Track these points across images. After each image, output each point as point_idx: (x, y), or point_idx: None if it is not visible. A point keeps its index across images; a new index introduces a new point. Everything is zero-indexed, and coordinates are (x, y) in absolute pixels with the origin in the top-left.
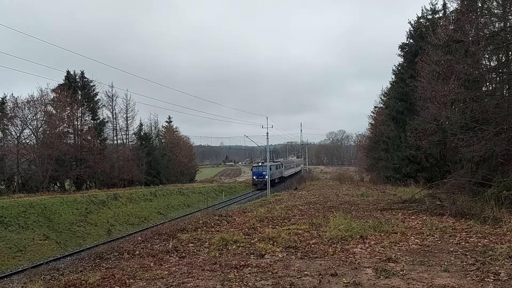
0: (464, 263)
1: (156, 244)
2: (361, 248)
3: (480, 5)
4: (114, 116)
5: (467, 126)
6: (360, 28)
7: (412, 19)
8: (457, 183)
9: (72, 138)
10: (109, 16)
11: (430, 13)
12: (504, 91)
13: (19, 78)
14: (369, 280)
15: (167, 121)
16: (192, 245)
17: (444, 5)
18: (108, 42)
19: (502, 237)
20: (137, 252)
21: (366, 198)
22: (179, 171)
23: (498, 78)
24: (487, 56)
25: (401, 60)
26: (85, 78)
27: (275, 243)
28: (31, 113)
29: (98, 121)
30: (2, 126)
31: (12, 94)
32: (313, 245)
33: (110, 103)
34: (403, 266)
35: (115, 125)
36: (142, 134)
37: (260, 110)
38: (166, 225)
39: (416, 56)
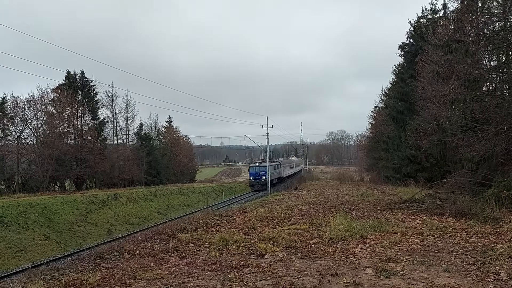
0: (464, 263)
1: (156, 244)
2: (361, 248)
3: (480, 5)
4: (114, 116)
5: (467, 126)
6: (360, 28)
7: (412, 19)
8: (457, 183)
9: (72, 138)
10: (109, 16)
11: (430, 13)
12: (504, 91)
13: (19, 78)
14: (369, 280)
15: (167, 121)
16: (192, 245)
17: (444, 5)
18: (108, 42)
19: (502, 237)
20: (137, 252)
21: (366, 198)
22: (179, 171)
23: (498, 78)
24: (487, 56)
25: (401, 60)
26: (85, 78)
27: (275, 243)
28: (31, 113)
29: (98, 121)
30: (2, 126)
31: (12, 94)
32: (313, 245)
33: (110, 103)
34: (403, 266)
35: (115, 125)
36: (142, 134)
37: (260, 110)
38: (166, 225)
39: (416, 56)
